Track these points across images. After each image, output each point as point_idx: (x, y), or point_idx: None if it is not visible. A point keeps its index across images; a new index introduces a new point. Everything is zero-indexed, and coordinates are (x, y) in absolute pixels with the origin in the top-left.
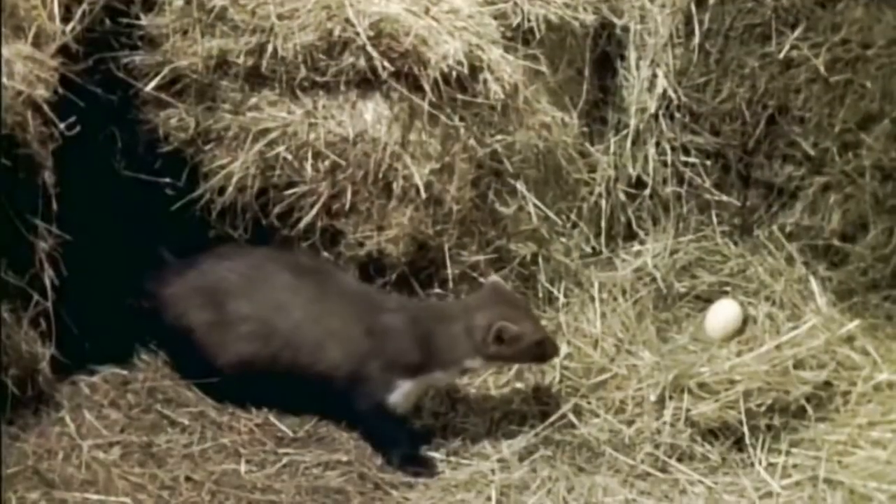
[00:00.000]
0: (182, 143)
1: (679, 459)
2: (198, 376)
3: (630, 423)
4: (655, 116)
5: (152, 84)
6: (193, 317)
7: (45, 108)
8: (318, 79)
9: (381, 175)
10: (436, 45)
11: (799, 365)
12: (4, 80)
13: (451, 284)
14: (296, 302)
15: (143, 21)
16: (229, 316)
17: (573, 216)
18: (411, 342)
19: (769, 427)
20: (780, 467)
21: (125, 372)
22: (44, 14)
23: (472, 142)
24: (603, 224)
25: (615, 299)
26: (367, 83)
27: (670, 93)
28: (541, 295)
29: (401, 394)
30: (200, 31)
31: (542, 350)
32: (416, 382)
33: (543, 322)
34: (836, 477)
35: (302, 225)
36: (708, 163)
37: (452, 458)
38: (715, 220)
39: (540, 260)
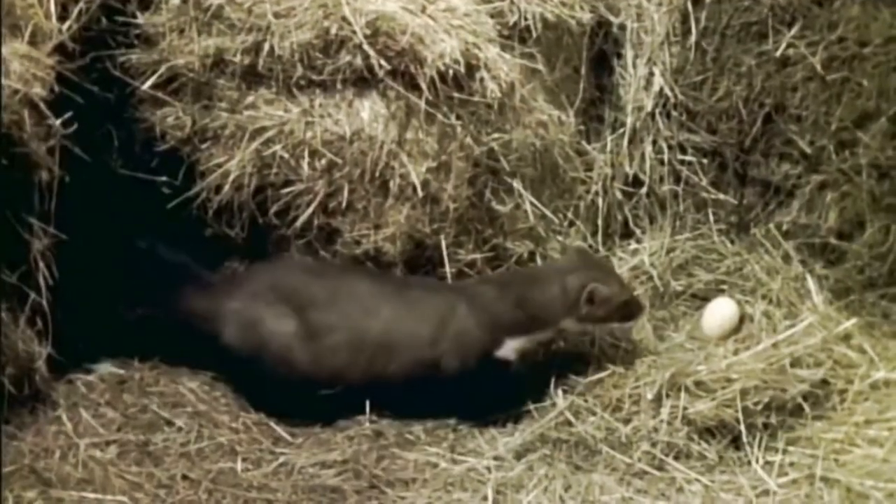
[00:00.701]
0: (179, 141)
1: (676, 458)
2: (276, 399)
3: (627, 421)
4: (652, 115)
5: (149, 82)
6: (273, 332)
7: (42, 106)
8: (314, 77)
9: (377, 173)
10: (432, 44)
11: (796, 363)
12: (3, 80)
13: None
14: (377, 301)
15: (140, 19)
16: (315, 327)
17: (570, 214)
18: (509, 305)
19: (766, 425)
20: (776, 465)
21: (122, 371)
22: (40, 12)
23: (468, 140)
24: (599, 222)
25: None
26: (363, 81)
27: (667, 91)
28: None
29: (510, 349)
30: (197, 30)
31: (630, 310)
32: (521, 341)
33: None
34: (832, 475)
35: (299, 223)
36: (704, 161)
37: (449, 456)
38: (711, 218)
39: (537, 258)
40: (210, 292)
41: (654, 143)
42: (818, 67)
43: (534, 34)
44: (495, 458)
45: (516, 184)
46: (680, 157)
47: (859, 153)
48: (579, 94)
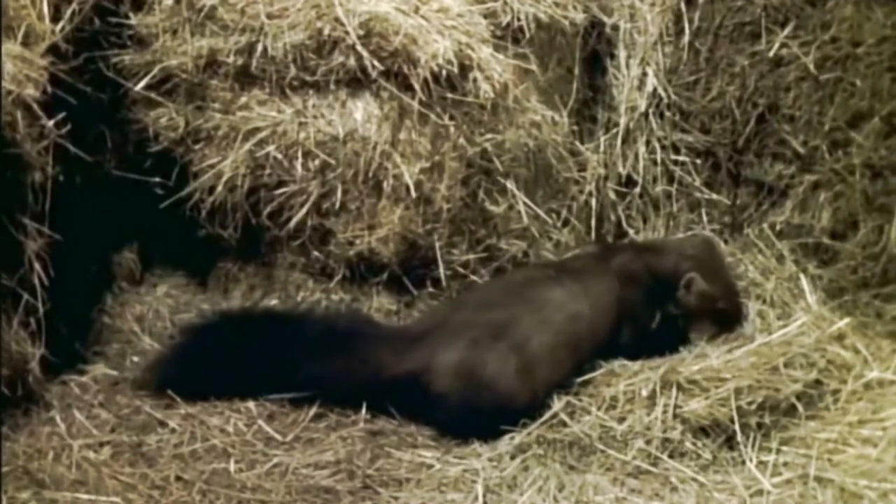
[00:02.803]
0: (172, 142)
1: (670, 456)
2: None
3: (622, 419)
4: (645, 115)
5: (142, 83)
6: (497, 373)
7: (35, 107)
8: (307, 78)
9: (371, 174)
10: (425, 44)
11: (789, 363)
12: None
13: (442, 283)
14: (572, 300)
15: (133, 20)
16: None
17: (563, 215)
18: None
19: (760, 425)
20: (770, 465)
21: (115, 372)
22: (33, 13)
23: (462, 141)
24: (593, 222)
25: None
26: (356, 82)
27: (660, 91)
28: None
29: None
30: (190, 31)
31: (725, 317)
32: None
33: None
34: (826, 475)
35: (292, 224)
36: (698, 161)
37: (443, 456)
38: (705, 218)
39: (530, 258)
40: (405, 347)
41: (648, 143)
42: (811, 67)
43: (527, 34)
44: (490, 458)
45: (510, 184)
46: (673, 157)
47: (852, 153)
48: (572, 94)
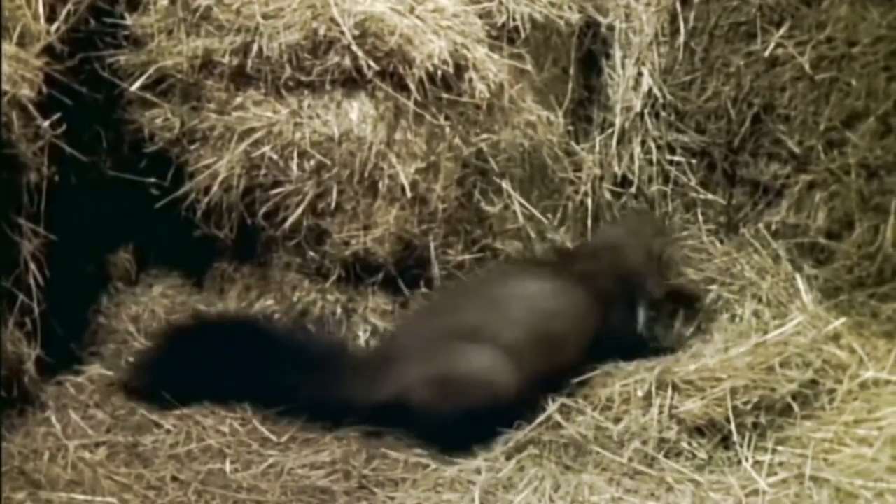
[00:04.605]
0: (167, 142)
1: (666, 456)
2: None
3: (617, 420)
4: (641, 115)
5: (137, 84)
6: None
7: (30, 107)
8: (303, 78)
9: (366, 174)
10: (421, 45)
11: (785, 363)
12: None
13: (438, 283)
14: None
15: (128, 21)
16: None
17: (559, 215)
18: None
19: (755, 425)
20: (766, 465)
21: (111, 372)
22: (28, 14)
23: (457, 141)
24: (589, 222)
25: None
26: (352, 82)
27: (656, 91)
28: None
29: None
30: (185, 31)
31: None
32: None
33: None
34: (822, 475)
35: (287, 224)
36: (693, 161)
37: (439, 457)
38: (701, 218)
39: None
40: (376, 375)
41: (643, 143)
42: (807, 67)
43: (522, 35)
44: (486, 459)
45: (505, 184)
46: (669, 157)
47: (848, 153)
48: (568, 94)
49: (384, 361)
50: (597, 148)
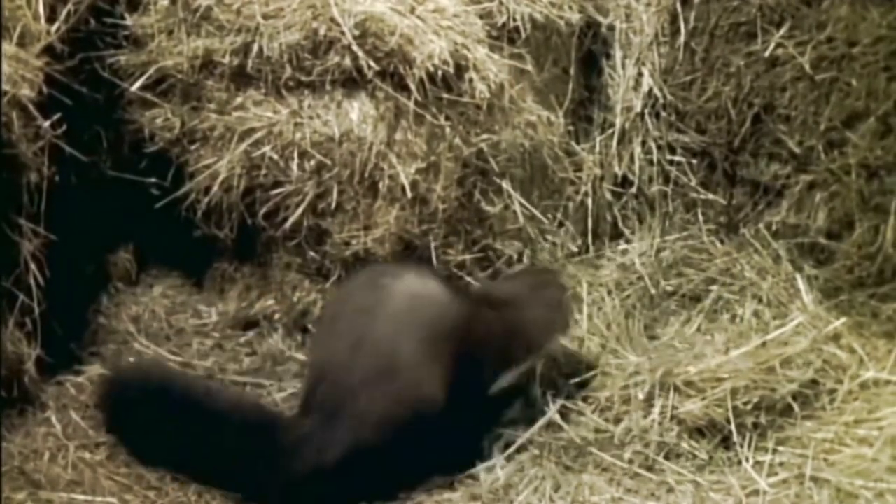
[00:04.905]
0: (167, 142)
1: (666, 457)
2: None
3: (617, 421)
4: (641, 115)
5: (138, 84)
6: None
7: (31, 107)
8: (303, 78)
9: (366, 174)
10: (421, 45)
11: (785, 363)
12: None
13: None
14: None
15: (129, 21)
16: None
17: (559, 215)
18: None
19: (756, 425)
20: (766, 465)
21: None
22: (29, 14)
23: (457, 141)
24: (589, 223)
25: (602, 298)
26: (352, 82)
27: (656, 91)
28: None
29: None
30: (186, 31)
31: None
32: None
33: None
34: (822, 475)
35: (288, 225)
36: (694, 161)
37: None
38: (701, 218)
39: (526, 259)
40: (302, 446)
41: (644, 143)
42: (807, 67)
43: (523, 35)
44: (485, 461)
45: (505, 184)
46: (669, 157)
47: (848, 153)
48: (568, 94)
49: (326, 418)
50: (597, 148)
